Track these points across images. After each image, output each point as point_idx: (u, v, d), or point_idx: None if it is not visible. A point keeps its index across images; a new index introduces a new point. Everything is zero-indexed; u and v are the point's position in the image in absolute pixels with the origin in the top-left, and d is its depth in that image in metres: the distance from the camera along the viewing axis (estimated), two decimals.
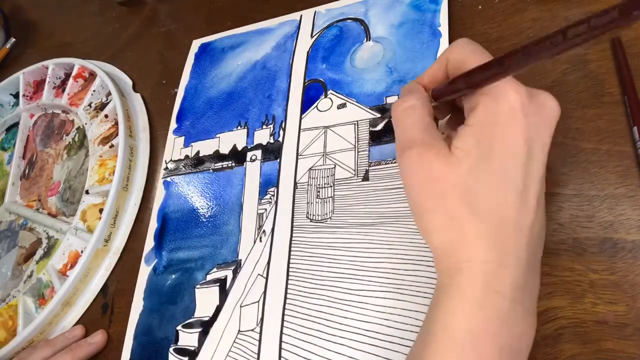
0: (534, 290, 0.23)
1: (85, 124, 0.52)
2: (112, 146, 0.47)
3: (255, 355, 0.33)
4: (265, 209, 0.39)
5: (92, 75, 0.55)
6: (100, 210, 0.45)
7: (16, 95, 0.61)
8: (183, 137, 0.47)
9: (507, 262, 0.22)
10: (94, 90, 0.53)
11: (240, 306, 0.36)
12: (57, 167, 0.54)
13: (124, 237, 0.45)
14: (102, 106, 0.52)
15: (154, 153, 0.49)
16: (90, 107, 0.53)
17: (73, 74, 0.55)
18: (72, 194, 0.50)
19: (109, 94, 0.51)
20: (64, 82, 0.58)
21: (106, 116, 0.50)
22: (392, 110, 0.26)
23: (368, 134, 0.38)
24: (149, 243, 0.43)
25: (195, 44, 0.52)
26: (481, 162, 0.22)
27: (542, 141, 0.23)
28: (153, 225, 0.44)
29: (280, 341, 0.33)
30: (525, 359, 0.23)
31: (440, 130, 0.27)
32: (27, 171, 0.57)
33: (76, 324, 0.43)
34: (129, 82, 0.55)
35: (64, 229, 0.47)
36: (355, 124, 0.39)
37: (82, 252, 0.43)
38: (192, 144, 0.46)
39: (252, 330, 0.35)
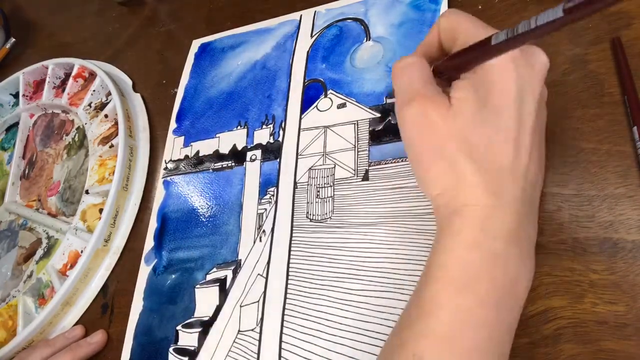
0: (531, 235, 0.25)
1: (85, 123, 0.52)
2: (112, 146, 0.47)
3: (255, 355, 0.33)
4: (265, 209, 0.39)
5: (92, 75, 0.55)
6: (100, 210, 0.45)
7: (16, 95, 0.61)
8: (183, 137, 0.47)
9: (502, 206, 0.23)
10: (94, 90, 0.53)
11: (240, 306, 0.36)
12: (57, 167, 0.54)
13: (124, 237, 0.45)
14: (102, 106, 0.52)
15: (154, 153, 0.49)
16: (90, 107, 0.53)
17: (73, 73, 0.55)
18: (72, 193, 0.50)
19: (109, 93, 0.51)
20: (63, 82, 0.58)
21: (106, 116, 0.50)
22: (393, 69, 0.27)
23: (368, 134, 0.38)
24: (149, 243, 0.43)
25: (195, 44, 0.52)
26: (477, 112, 0.23)
27: (533, 90, 0.23)
28: (153, 225, 0.44)
29: (280, 341, 0.33)
30: (522, 303, 0.24)
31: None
32: (27, 171, 0.57)
33: (76, 324, 0.43)
34: (129, 82, 0.55)
35: (64, 228, 0.47)
36: (355, 123, 0.39)
37: (82, 252, 0.43)
38: (192, 143, 0.46)
39: (252, 330, 0.35)
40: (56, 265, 0.44)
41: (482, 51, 0.23)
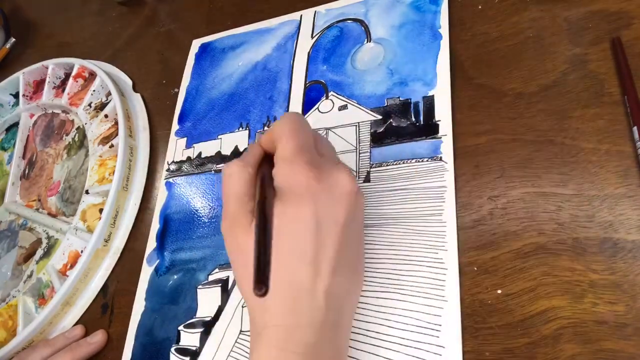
0: (339, 348, 0.26)
1: (85, 123, 0.52)
2: (112, 146, 0.47)
3: None
4: None
5: (92, 75, 0.55)
6: (100, 210, 0.45)
7: (16, 95, 0.61)
8: (185, 139, 0.47)
9: (299, 323, 0.25)
10: (94, 90, 0.53)
11: (242, 306, 0.36)
12: (57, 167, 0.54)
13: (124, 237, 0.45)
14: (102, 106, 0.52)
15: (154, 153, 0.49)
16: (90, 107, 0.53)
17: (73, 73, 0.55)
18: (72, 193, 0.50)
19: (109, 93, 0.51)
20: (64, 82, 0.58)
21: (106, 116, 0.50)
22: (222, 173, 0.29)
23: (369, 136, 0.38)
24: (151, 244, 0.43)
25: (196, 44, 0.52)
26: (276, 238, 0.24)
27: (335, 217, 0.26)
28: (155, 225, 0.44)
29: None
30: None
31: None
32: (27, 171, 0.57)
33: (76, 324, 0.43)
34: (129, 82, 0.55)
35: (64, 228, 0.47)
36: (356, 125, 0.39)
37: (82, 252, 0.43)
38: (194, 145, 0.46)
39: None
40: (56, 265, 0.44)
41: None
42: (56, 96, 0.57)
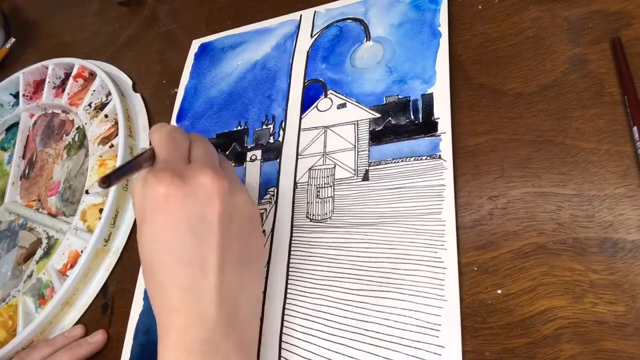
0: (237, 335, 0.27)
1: (85, 123, 0.52)
2: (112, 146, 0.47)
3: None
4: (265, 209, 0.39)
5: (92, 75, 0.55)
6: (100, 210, 0.45)
7: (16, 95, 0.61)
8: None
9: (192, 322, 0.26)
10: (94, 90, 0.53)
11: None
12: (57, 167, 0.54)
13: (124, 237, 0.45)
14: (102, 106, 0.52)
15: None
16: (90, 107, 0.53)
17: (73, 73, 0.55)
18: (72, 193, 0.50)
19: (109, 93, 0.51)
20: (63, 82, 0.58)
21: (106, 116, 0.50)
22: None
23: (368, 134, 0.38)
24: None
25: (195, 44, 0.52)
26: (152, 247, 0.27)
27: (207, 217, 0.26)
28: None
29: (280, 341, 0.33)
30: None
31: None
32: (27, 171, 0.57)
33: (76, 323, 0.43)
34: (129, 82, 0.55)
35: (64, 228, 0.47)
36: (355, 123, 0.39)
37: (82, 252, 0.43)
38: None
39: None
40: (56, 265, 0.44)
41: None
42: (56, 96, 0.57)
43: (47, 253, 0.48)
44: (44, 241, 0.49)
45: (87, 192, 0.46)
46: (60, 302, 0.41)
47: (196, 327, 0.26)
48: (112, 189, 0.44)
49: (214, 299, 0.26)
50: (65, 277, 0.43)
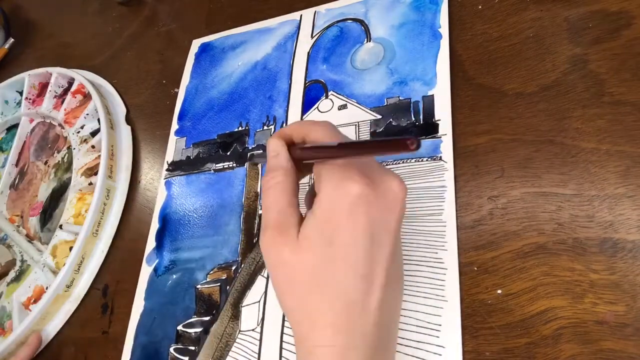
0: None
1: (74, 148, 0.51)
2: (90, 184, 0.47)
3: (256, 355, 0.33)
4: None
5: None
6: (71, 249, 0.44)
7: (22, 93, 0.60)
8: (184, 138, 0.47)
9: (354, 344, 0.23)
10: (87, 114, 0.52)
11: (241, 306, 0.36)
12: (43, 185, 0.53)
13: (88, 283, 0.44)
14: (92, 132, 0.51)
15: (131, 195, 0.48)
16: (82, 129, 0.52)
17: (72, 89, 0.54)
18: (50, 220, 0.50)
19: None
20: (65, 92, 0.57)
21: (93, 147, 0.49)
22: (262, 185, 0.27)
23: (369, 135, 0.38)
24: (150, 243, 0.43)
25: (195, 44, 0.52)
26: (325, 251, 0.23)
27: (388, 226, 0.24)
28: (154, 225, 0.44)
29: (281, 341, 0.33)
30: None
31: (306, 199, 0.28)
32: (16, 181, 0.56)
33: None
34: (124, 110, 0.53)
35: (36, 258, 0.47)
36: (356, 125, 0.39)
37: (46, 289, 0.43)
38: (193, 144, 0.46)
39: (252, 330, 0.35)
40: (21, 297, 0.44)
41: (328, 152, 0.24)
42: (55, 107, 0.56)
43: (18, 278, 0.48)
44: (18, 264, 0.49)
45: (61, 227, 0.46)
46: (15, 342, 0.42)
47: (358, 350, 0.23)
48: (81, 235, 0.43)
49: (376, 320, 0.23)
50: (27, 310, 0.44)
